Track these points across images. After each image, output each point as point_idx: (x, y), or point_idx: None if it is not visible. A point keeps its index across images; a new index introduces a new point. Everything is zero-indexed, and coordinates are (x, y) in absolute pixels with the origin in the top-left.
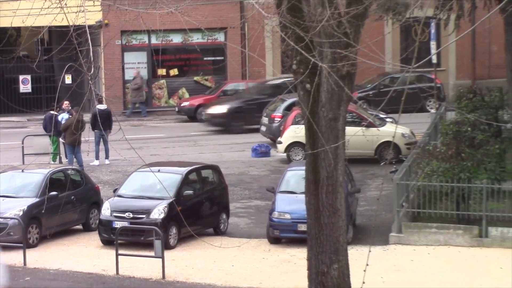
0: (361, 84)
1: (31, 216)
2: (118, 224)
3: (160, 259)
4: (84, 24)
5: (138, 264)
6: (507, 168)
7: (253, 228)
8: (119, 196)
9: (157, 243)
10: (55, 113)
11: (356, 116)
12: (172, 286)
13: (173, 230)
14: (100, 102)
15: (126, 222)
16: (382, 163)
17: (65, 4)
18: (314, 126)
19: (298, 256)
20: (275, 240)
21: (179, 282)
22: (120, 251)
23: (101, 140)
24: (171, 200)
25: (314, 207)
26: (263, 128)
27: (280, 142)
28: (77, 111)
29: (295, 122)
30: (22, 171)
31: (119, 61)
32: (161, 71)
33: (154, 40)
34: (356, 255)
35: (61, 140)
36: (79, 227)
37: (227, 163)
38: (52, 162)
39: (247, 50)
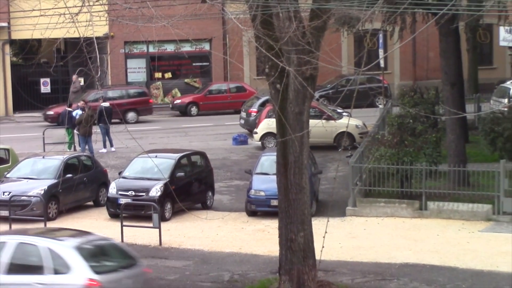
0: (322, 84)
1: (51, 194)
2: (122, 201)
3: (157, 229)
4: (93, 35)
5: (139, 233)
6: (442, 153)
7: (234, 203)
8: (123, 177)
9: (155, 216)
10: (70, 109)
11: (318, 110)
12: (167, 251)
13: (168, 206)
14: (104, 100)
15: (129, 199)
16: (339, 150)
17: (77, 19)
18: (283, 119)
19: (271, 226)
20: (252, 213)
21: (173, 248)
22: (124, 223)
23: (107, 131)
24: (166, 180)
25: (284, 185)
26: (241, 121)
27: (256, 133)
28: (89, 107)
29: (268, 116)
30: (43, 157)
31: (122, 67)
32: (158, 75)
33: (151, 49)
34: (319, 225)
35: (75, 132)
36: (90, 203)
37: (213, 150)
38: (68, 150)
39: (228, 56)
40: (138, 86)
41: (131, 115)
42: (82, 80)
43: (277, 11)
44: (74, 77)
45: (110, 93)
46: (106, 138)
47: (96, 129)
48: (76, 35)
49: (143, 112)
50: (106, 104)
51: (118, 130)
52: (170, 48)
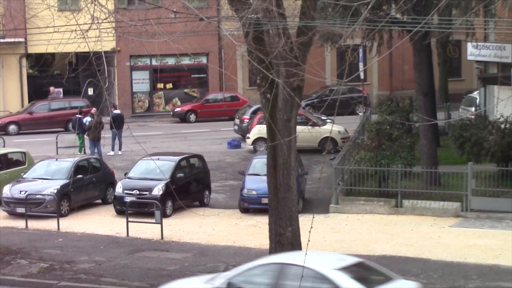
0: (308, 94)
1: (63, 193)
2: (128, 199)
3: (159, 225)
4: (101, 50)
5: (143, 228)
6: (416, 156)
7: (228, 201)
8: (129, 178)
9: (157, 213)
10: (80, 116)
11: (304, 118)
12: (168, 244)
13: (169, 203)
14: (115, 108)
15: (134, 197)
16: (323, 153)
17: (87, 35)
18: (273, 126)
19: (262, 222)
20: (244, 210)
21: (174, 241)
22: (129, 219)
23: (116, 136)
24: (167, 181)
25: (274, 185)
26: (235, 127)
27: (248, 137)
28: (97, 114)
29: (259, 123)
30: (56, 159)
31: (128, 78)
32: (160, 85)
33: (154, 62)
34: (305, 221)
35: (85, 136)
36: (99, 201)
37: (209, 153)
38: (78, 153)
39: (223, 69)
40: (81, 98)
41: None
42: (58, 90)
43: (267, 28)
44: (51, 88)
45: (53, 105)
46: (115, 141)
47: (104, 134)
48: (86, 49)
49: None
50: (118, 111)
51: (124, 135)
52: (171, 61)
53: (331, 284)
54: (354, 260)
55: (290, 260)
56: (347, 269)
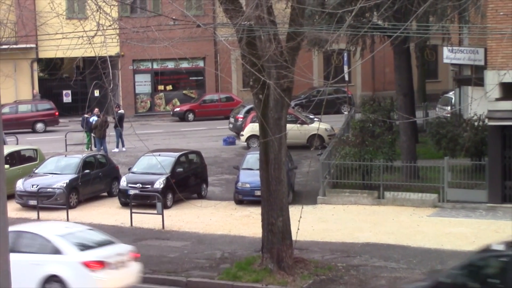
0: (297, 95)
1: (72, 186)
2: (131, 192)
3: (161, 216)
4: (106, 55)
5: (146, 219)
6: (397, 151)
7: (224, 193)
8: (132, 172)
9: (158, 205)
10: (87, 116)
11: (293, 116)
12: (169, 234)
13: (169, 196)
14: (119, 108)
15: (137, 190)
16: (311, 149)
17: (93, 41)
18: (265, 124)
19: (255, 213)
20: (239, 202)
21: (174, 231)
22: (133, 210)
23: (121, 134)
24: (168, 175)
25: (266, 179)
26: (230, 125)
27: (242, 135)
28: (103, 114)
29: (252, 121)
30: (65, 156)
31: (131, 80)
32: (160, 87)
33: (155, 66)
34: (295, 211)
35: (92, 135)
36: (105, 194)
37: (206, 149)
38: (86, 150)
39: (219, 72)
40: (46, 101)
41: (39, 126)
42: (39, 94)
43: (259, 34)
44: (35, 91)
45: (21, 107)
46: (119, 139)
47: (109, 132)
48: (92, 54)
49: (50, 123)
50: (122, 111)
51: (128, 133)
52: (170, 65)
53: (52, 246)
54: (81, 228)
55: (25, 228)
56: (68, 235)
